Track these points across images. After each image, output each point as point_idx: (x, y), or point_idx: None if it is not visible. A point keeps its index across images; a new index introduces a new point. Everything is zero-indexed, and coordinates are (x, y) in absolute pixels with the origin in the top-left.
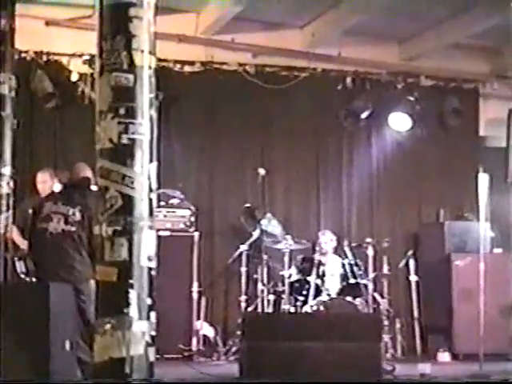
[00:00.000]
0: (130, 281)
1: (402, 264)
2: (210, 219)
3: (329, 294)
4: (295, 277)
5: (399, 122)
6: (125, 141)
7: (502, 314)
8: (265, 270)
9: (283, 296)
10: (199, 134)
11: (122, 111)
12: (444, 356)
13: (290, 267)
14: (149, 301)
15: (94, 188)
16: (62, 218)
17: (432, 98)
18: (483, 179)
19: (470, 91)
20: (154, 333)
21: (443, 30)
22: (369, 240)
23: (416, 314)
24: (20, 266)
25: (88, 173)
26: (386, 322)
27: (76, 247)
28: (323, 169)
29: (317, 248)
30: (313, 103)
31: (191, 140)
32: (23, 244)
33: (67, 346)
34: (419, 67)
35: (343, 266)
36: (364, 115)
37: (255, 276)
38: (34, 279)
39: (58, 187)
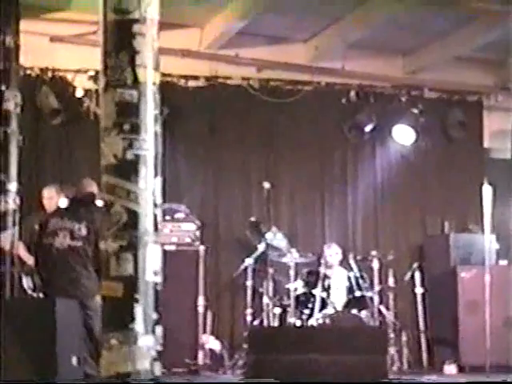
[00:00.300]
0: (136, 296)
1: (407, 276)
2: (216, 233)
3: (334, 307)
4: (301, 290)
5: (403, 134)
6: (129, 156)
7: (507, 325)
8: (270, 283)
9: (289, 309)
10: (204, 148)
11: (126, 127)
12: (450, 368)
13: (295, 280)
14: (154, 315)
15: (99, 203)
16: (68, 234)
17: (436, 111)
18: (488, 191)
19: (474, 103)
20: (159, 347)
21: (447, 42)
22: (374, 253)
23: (422, 326)
24: (27, 282)
25: (93, 188)
26: (391, 335)
27: (82, 262)
28: (328, 182)
29: (322, 261)
30: (317, 117)
31: (196, 154)
32: (30, 260)
33: (74, 361)
34: (423, 80)
35: (349, 278)
36: (368, 128)
37: (261, 289)
38: (40, 295)
39: (64, 203)
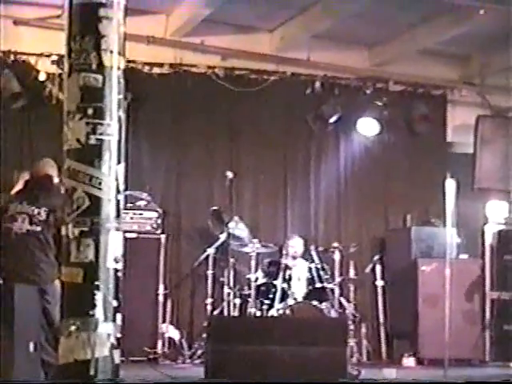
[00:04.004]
0: (96, 282)
1: (368, 269)
2: (177, 222)
3: (295, 298)
4: (261, 280)
5: (367, 126)
6: (93, 141)
7: (467, 319)
8: (231, 273)
9: (249, 299)
10: (167, 135)
11: (90, 112)
12: (409, 361)
13: (256, 271)
14: (115, 303)
15: (57, 186)
16: (27, 218)
17: (400, 104)
18: (450, 185)
19: (438, 97)
20: (119, 335)
21: (412, 36)
22: (336, 244)
23: (382, 318)
24: None
25: (51, 170)
26: (351, 327)
27: (41, 247)
28: (291, 173)
29: (284, 252)
30: (281, 107)
31: (159, 142)
32: None
33: (31, 347)
34: (388, 72)
35: (310, 270)
36: (332, 120)
37: (221, 279)
38: None
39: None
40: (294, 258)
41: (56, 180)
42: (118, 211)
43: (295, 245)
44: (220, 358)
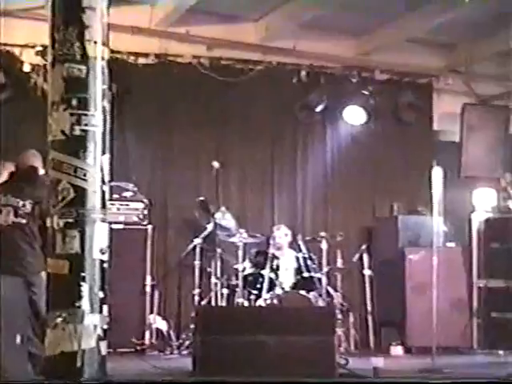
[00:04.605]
0: (82, 274)
1: (355, 258)
2: (164, 212)
3: (283, 288)
4: (249, 270)
5: (354, 115)
6: (77, 132)
7: (455, 307)
8: (218, 263)
9: (237, 289)
10: (153, 126)
11: (74, 102)
12: (397, 350)
13: (243, 261)
14: (101, 294)
15: (42, 178)
16: (12, 211)
17: (387, 92)
18: (437, 173)
19: (424, 86)
20: (106, 326)
21: (399, 24)
22: (323, 234)
23: (369, 307)
24: None
25: (35, 162)
26: (339, 316)
27: (27, 240)
28: (278, 162)
29: (271, 242)
30: (268, 96)
31: (145, 132)
32: None
33: (18, 339)
34: (374, 61)
35: (297, 259)
36: (319, 109)
37: (209, 269)
38: None
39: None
40: (281, 247)
41: (41, 171)
42: (103, 202)
43: (282, 235)
44: (208, 348)
